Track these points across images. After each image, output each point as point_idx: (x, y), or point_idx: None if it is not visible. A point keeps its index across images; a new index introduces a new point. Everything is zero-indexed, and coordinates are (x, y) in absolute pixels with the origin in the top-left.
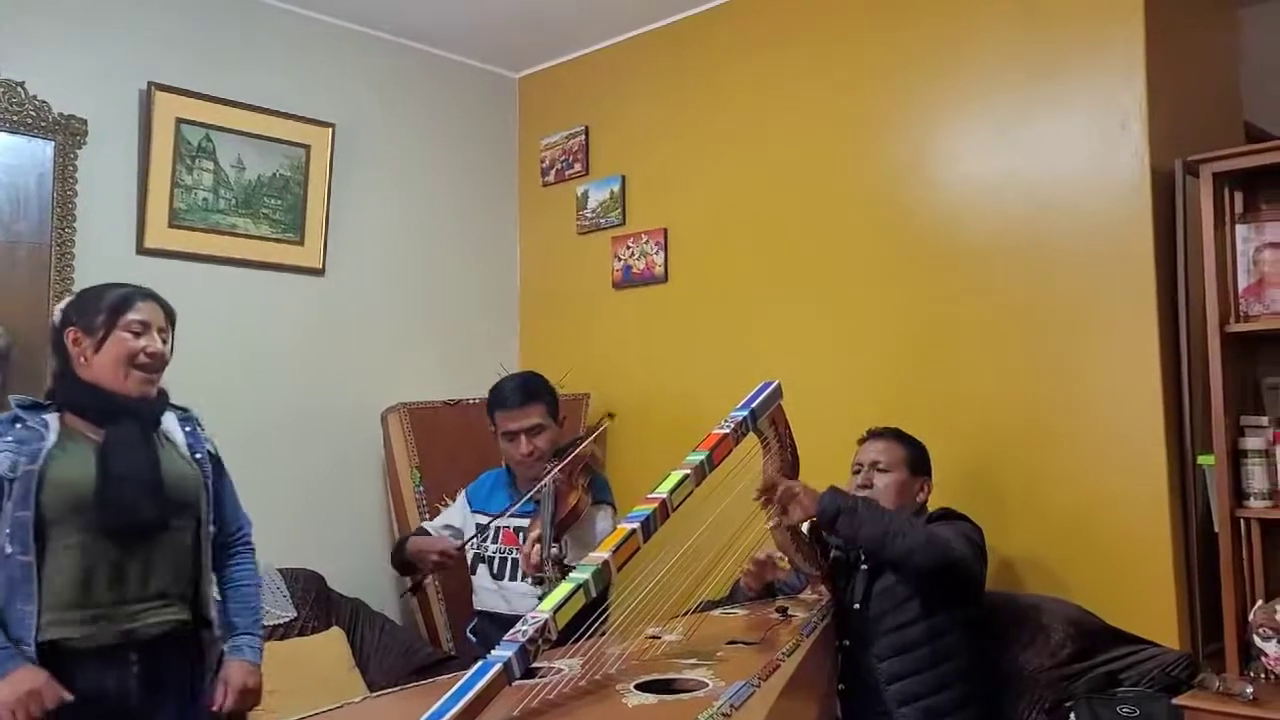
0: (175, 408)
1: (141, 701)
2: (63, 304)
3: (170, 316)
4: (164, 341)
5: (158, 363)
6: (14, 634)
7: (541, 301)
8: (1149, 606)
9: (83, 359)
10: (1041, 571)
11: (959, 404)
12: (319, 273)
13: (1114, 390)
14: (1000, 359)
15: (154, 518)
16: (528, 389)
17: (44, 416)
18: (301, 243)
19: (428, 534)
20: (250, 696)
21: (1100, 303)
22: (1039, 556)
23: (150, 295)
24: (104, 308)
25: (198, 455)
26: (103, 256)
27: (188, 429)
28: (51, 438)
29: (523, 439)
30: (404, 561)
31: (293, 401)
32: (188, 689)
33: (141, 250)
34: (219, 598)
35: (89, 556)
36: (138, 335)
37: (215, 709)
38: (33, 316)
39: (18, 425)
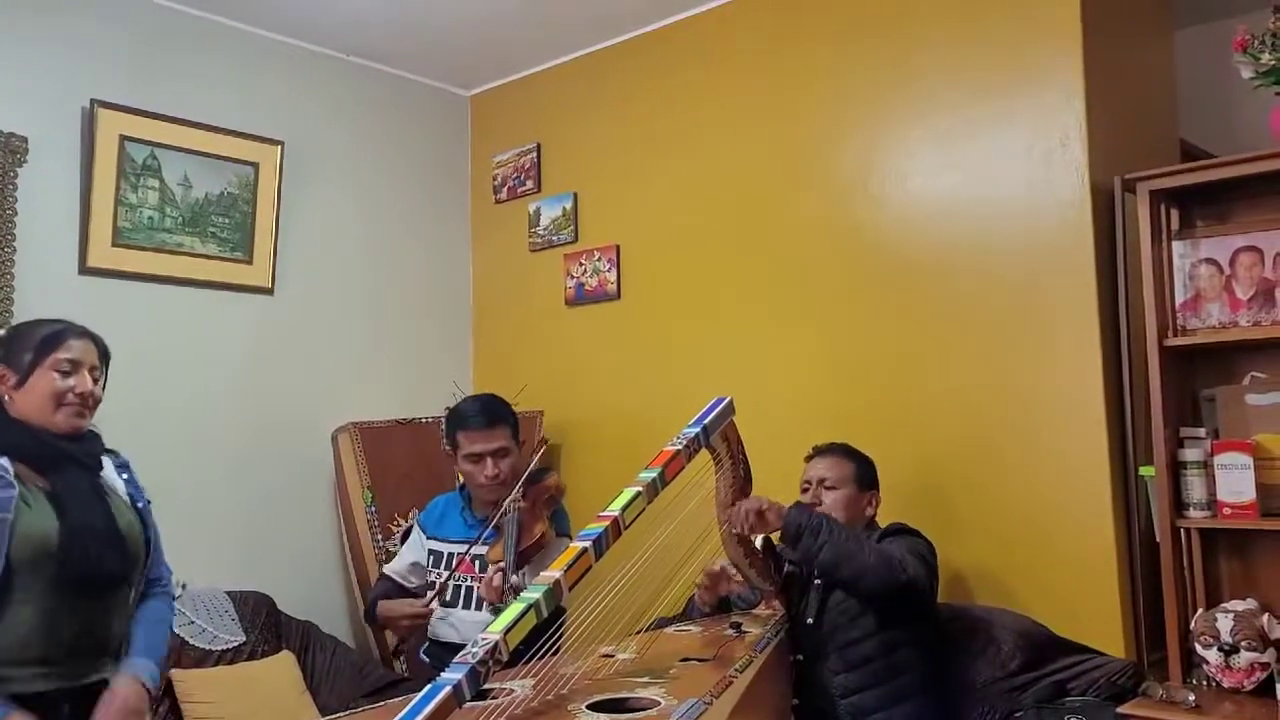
0: (108, 452)
1: None
2: None
3: (104, 355)
4: (95, 380)
5: (87, 402)
6: None
7: (495, 319)
8: (1095, 616)
9: (8, 396)
10: (991, 583)
11: (909, 418)
12: (268, 291)
13: (1059, 403)
14: (949, 374)
15: (116, 572)
16: (494, 411)
17: (1, 461)
18: (250, 261)
19: (391, 581)
20: (133, 718)
21: (1044, 318)
22: (988, 568)
23: (84, 333)
24: (32, 345)
25: (139, 505)
26: (44, 276)
27: (125, 476)
28: (15, 485)
29: (488, 461)
30: (378, 621)
31: (241, 422)
32: None
33: (84, 270)
34: None
35: (47, 610)
36: (66, 375)
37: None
38: None
39: None
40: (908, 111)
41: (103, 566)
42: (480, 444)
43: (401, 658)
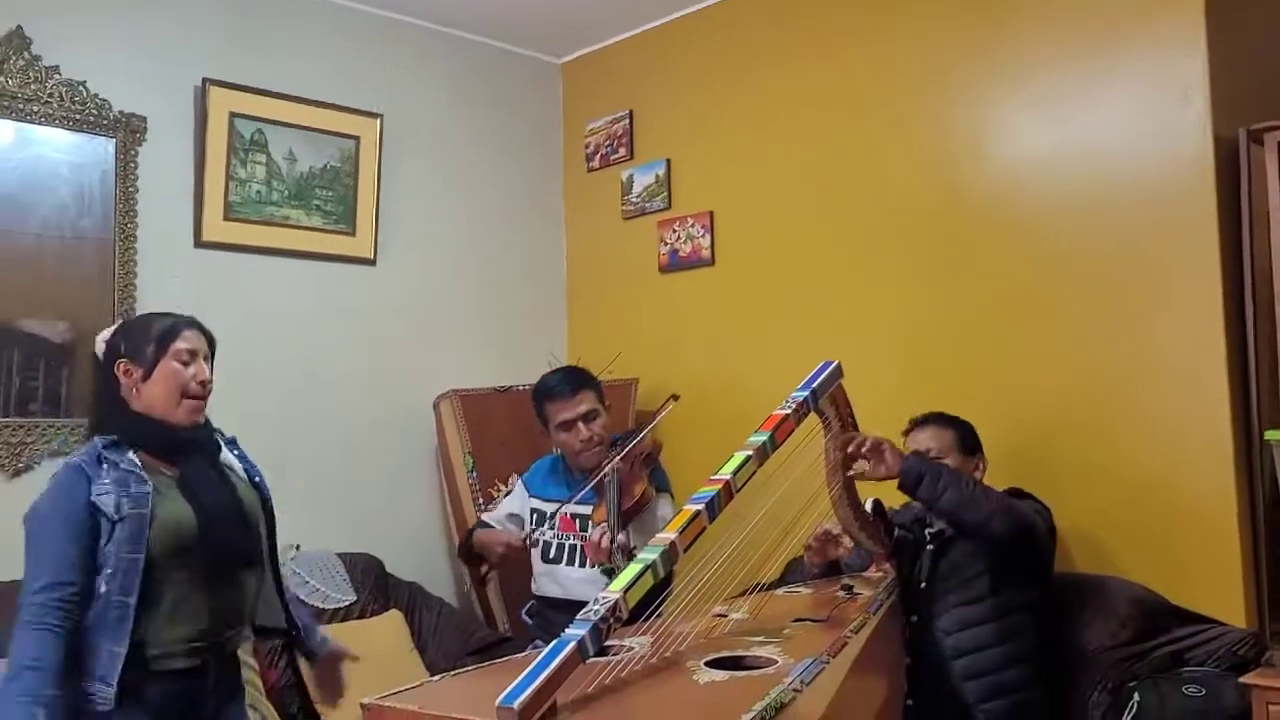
0: (216, 432)
1: (215, 706)
2: (106, 334)
3: (212, 344)
4: (209, 369)
5: (206, 390)
6: (97, 673)
7: (588, 287)
8: (1214, 585)
9: (134, 390)
10: (1101, 551)
11: (1017, 381)
12: (370, 262)
13: (1177, 365)
14: (1058, 335)
15: (248, 550)
16: (577, 377)
17: (128, 455)
18: (353, 233)
19: (490, 527)
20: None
21: (1162, 276)
22: (1099, 536)
23: (195, 324)
24: (153, 337)
25: (256, 479)
26: (163, 251)
27: (236, 453)
28: (148, 478)
29: (580, 426)
30: (471, 553)
31: (348, 390)
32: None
33: (199, 244)
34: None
35: (188, 593)
36: (186, 364)
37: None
38: (98, 311)
39: (104, 465)
40: (1015, 66)
41: (238, 547)
42: (568, 411)
43: (480, 588)
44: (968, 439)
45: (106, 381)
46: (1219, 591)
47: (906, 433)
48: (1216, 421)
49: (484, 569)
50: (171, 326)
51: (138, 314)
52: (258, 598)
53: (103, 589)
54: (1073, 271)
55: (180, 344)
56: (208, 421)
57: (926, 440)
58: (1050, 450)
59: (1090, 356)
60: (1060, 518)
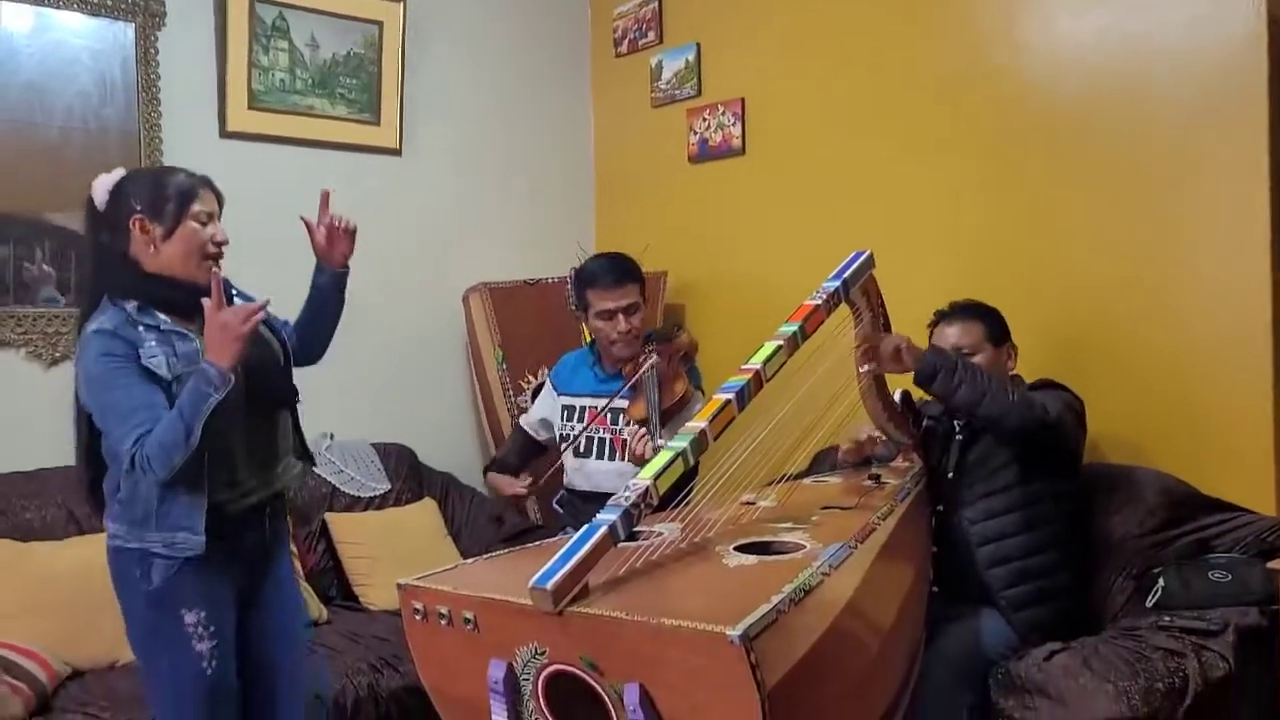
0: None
1: (270, 546)
2: (108, 183)
3: (221, 202)
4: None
5: (222, 250)
6: (183, 523)
7: (617, 178)
8: (1245, 476)
9: (151, 248)
10: (1133, 443)
11: (1051, 272)
12: (396, 152)
13: (1216, 256)
14: (1096, 224)
15: (285, 392)
16: (622, 267)
17: (159, 315)
18: (378, 123)
19: (524, 433)
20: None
21: (1206, 164)
22: (1131, 427)
23: (209, 183)
24: (172, 195)
25: (273, 325)
26: (189, 141)
27: (241, 299)
28: (192, 338)
29: (620, 318)
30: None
31: (378, 282)
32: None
33: (224, 134)
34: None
35: (234, 441)
36: (204, 224)
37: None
38: None
39: (141, 328)
40: None
41: (277, 389)
42: (611, 301)
43: (552, 501)
44: (997, 329)
45: (116, 237)
46: (1249, 482)
47: (933, 325)
48: (1254, 315)
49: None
50: (191, 186)
51: None
52: (295, 435)
53: None
54: (1114, 158)
55: (198, 205)
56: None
57: (956, 336)
58: (1085, 343)
59: (1129, 246)
60: (1093, 410)
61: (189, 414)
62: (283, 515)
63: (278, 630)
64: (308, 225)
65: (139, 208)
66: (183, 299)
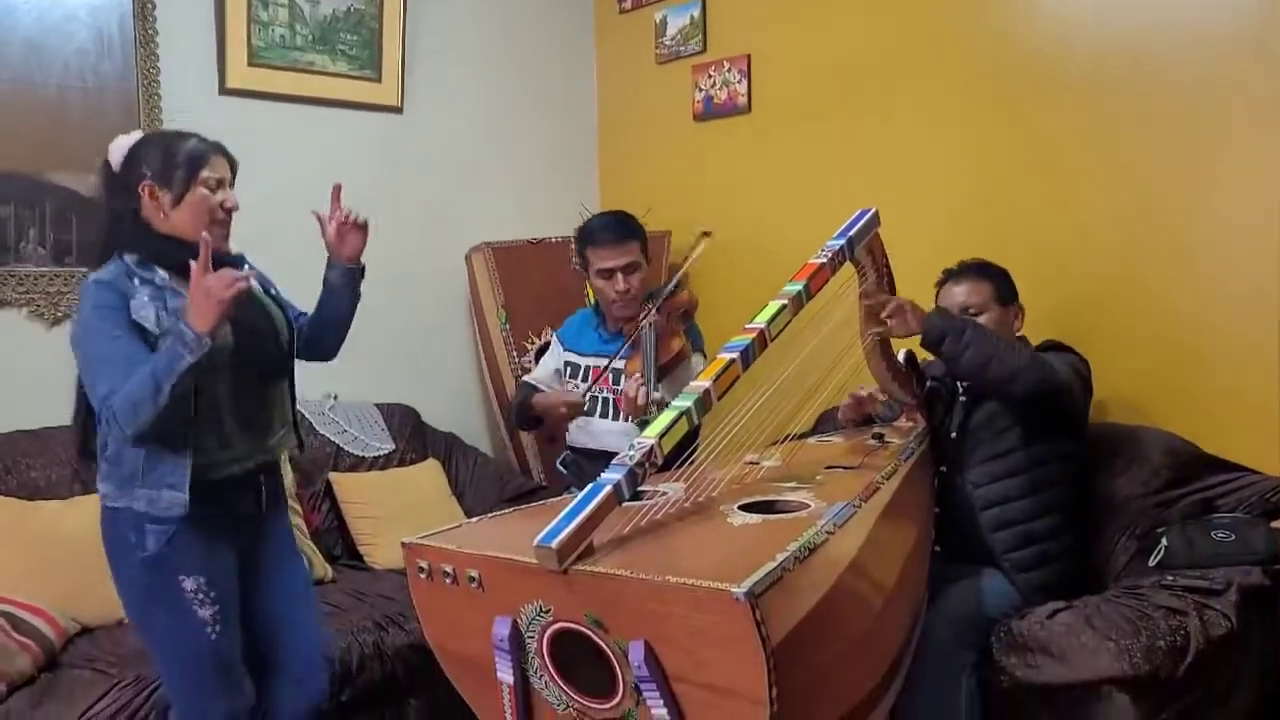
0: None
1: (267, 512)
2: (125, 145)
3: (234, 167)
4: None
5: (231, 216)
6: (166, 480)
7: (620, 136)
8: (1251, 435)
9: (161, 214)
10: (1139, 402)
11: (1058, 230)
12: (397, 110)
13: (1226, 216)
14: (1104, 181)
15: (281, 364)
16: (623, 226)
17: (159, 273)
18: (379, 80)
19: (532, 388)
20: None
21: (1217, 122)
22: (1137, 387)
23: (221, 149)
24: (181, 162)
25: (271, 292)
26: (188, 98)
27: (255, 271)
28: (183, 292)
29: (619, 277)
30: (529, 417)
31: (379, 241)
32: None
33: (224, 90)
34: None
35: (224, 405)
36: (213, 190)
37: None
38: None
39: (135, 280)
40: None
41: (272, 360)
42: (610, 259)
43: (556, 462)
44: (1005, 288)
45: (128, 199)
46: (1255, 442)
47: (941, 284)
48: (1264, 274)
49: (547, 429)
50: (201, 152)
51: None
52: (290, 407)
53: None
54: (1122, 115)
55: (208, 171)
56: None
57: (964, 294)
58: (1092, 303)
59: (1137, 205)
60: (1099, 371)
61: (160, 373)
62: (277, 483)
63: (278, 587)
64: (320, 219)
65: (149, 174)
66: (188, 260)
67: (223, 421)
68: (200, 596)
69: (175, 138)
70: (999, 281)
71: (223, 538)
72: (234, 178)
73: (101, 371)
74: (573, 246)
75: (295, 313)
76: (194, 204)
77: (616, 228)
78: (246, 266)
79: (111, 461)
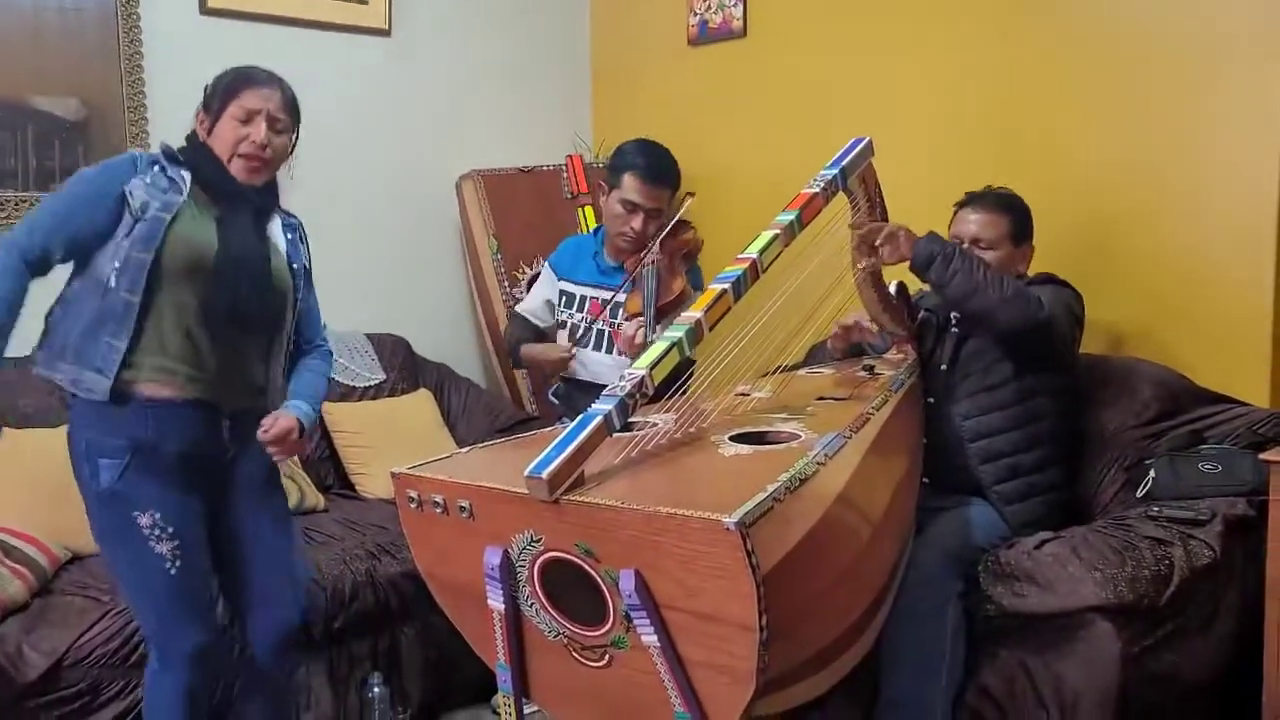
0: (283, 212)
1: (234, 452)
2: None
3: (290, 105)
4: (280, 132)
5: (261, 154)
6: (94, 363)
7: (613, 62)
8: (1243, 368)
9: (205, 138)
10: (1131, 334)
11: (1058, 162)
12: (385, 33)
13: (1228, 153)
14: (1106, 115)
15: (259, 313)
16: (669, 172)
17: (182, 172)
18: (365, 1)
19: (524, 320)
20: (290, 445)
21: (1221, 57)
22: (1130, 319)
23: (270, 80)
24: (219, 91)
25: (294, 265)
26: (168, 19)
27: (290, 237)
28: (185, 193)
29: (640, 216)
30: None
31: (368, 169)
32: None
33: (205, 10)
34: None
35: (196, 320)
36: (243, 123)
37: (260, 435)
38: (106, 88)
39: (155, 167)
40: None
41: (250, 302)
42: (640, 195)
43: (548, 392)
44: (1021, 226)
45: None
46: (1246, 374)
47: (960, 206)
48: (1261, 208)
49: (543, 379)
50: (232, 82)
51: (146, 88)
52: (268, 374)
53: (111, 283)
54: (1127, 45)
55: (240, 101)
56: (274, 189)
57: (977, 226)
58: (1088, 234)
59: (1139, 139)
60: (1092, 302)
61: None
62: (248, 432)
63: (254, 527)
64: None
65: (204, 100)
66: (213, 175)
67: (192, 335)
68: (157, 532)
69: (238, 69)
70: (1017, 218)
71: (179, 476)
72: (296, 120)
73: (29, 220)
74: (600, 165)
75: (314, 316)
76: (221, 133)
77: (659, 168)
78: (287, 229)
79: (48, 331)
